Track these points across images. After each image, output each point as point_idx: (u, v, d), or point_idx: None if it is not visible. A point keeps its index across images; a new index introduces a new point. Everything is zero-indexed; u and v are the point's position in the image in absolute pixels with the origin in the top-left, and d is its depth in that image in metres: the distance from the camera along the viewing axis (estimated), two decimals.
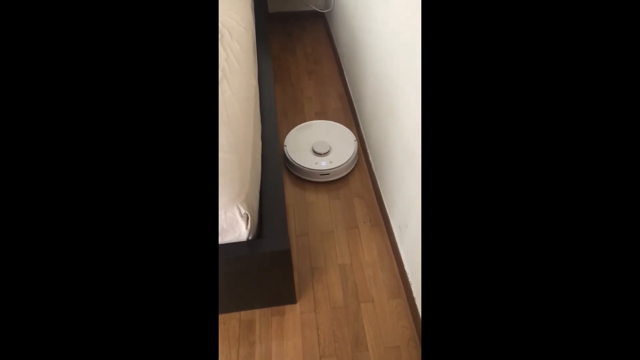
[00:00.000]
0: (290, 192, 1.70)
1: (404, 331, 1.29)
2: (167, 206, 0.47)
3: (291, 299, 1.34)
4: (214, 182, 0.51)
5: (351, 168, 1.75)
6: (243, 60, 1.54)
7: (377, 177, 1.66)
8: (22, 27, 0.45)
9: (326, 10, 2.60)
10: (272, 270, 1.19)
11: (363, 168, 1.78)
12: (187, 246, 0.47)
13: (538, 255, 0.41)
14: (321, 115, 2.04)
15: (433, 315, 0.46)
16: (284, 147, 1.74)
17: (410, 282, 1.33)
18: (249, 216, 1.09)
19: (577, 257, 0.40)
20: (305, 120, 2.01)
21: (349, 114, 2.04)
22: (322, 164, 1.68)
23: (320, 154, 1.71)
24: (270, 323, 1.32)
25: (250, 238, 1.13)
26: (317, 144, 1.73)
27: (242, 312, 1.34)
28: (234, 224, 1.09)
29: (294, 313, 1.34)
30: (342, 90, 2.18)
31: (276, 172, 1.31)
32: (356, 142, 1.77)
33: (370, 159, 1.74)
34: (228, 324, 1.31)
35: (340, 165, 1.69)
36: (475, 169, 0.44)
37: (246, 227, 1.10)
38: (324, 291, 1.39)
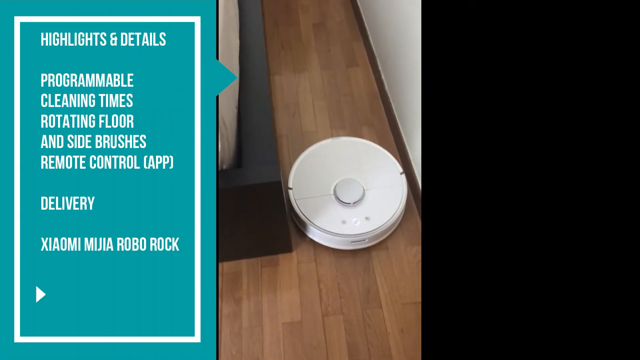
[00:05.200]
0: (281, 119, 1.39)
1: None
2: None
3: (286, 246, 1.09)
4: None
5: (397, 224, 1.11)
6: None
7: (393, 105, 1.35)
8: None
9: None
10: (258, 210, 0.91)
11: (375, 93, 1.46)
12: None
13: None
14: (320, 27, 1.68)
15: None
16: (289, 191, 1.10)
17: None
18: (219, 133, 0.79)
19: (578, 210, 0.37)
20: (300, 34, 1.65)
21: (355, 26, 1.68)
22: (355, 222, 1.04)
23: (349, 204, 1.07)
24: (260, 276, 1.07)
25: (225, 167, 0.84)
26: (342, 186, 1.08)
27: (225, 264, 1.09)
28: None
29: (289, 263, 1.09)
30: None
31: (260, 79, 1.00)
32: (403, 175, 1.12)
33: (385, 82, 1.41)
34: None
35: (385, 223, 1.05)
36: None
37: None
38: None
